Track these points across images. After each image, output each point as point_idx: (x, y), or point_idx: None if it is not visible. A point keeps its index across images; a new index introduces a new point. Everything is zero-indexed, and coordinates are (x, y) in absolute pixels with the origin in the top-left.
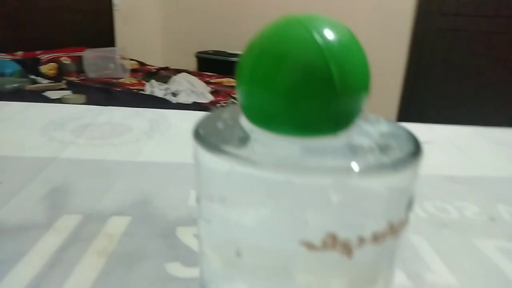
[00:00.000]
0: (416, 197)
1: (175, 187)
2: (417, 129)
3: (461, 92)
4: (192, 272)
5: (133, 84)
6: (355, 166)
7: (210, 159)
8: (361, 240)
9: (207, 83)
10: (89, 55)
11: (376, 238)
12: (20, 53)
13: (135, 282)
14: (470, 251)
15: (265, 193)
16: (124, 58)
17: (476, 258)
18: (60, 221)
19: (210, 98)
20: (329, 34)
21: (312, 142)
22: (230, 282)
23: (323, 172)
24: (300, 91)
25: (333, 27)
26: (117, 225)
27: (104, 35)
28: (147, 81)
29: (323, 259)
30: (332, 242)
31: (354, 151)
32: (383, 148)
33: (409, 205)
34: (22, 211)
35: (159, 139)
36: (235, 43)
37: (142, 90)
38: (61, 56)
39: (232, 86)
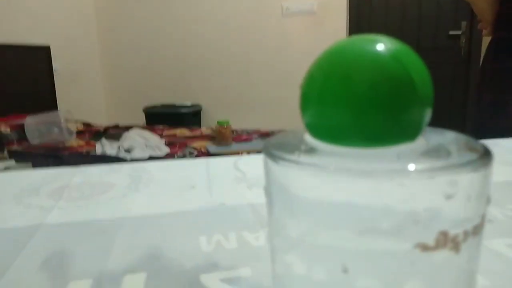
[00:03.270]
0: None
1: (181, 236)
2: None
3: None
4: None
5: (81, 146)
6: (458, 161)
7: (291, 175)
8: (466, 235)
9: (160, 136)
10: (30, 121)
11: (475, 231)
12: None
13: None
14: (484, 252)
15: (377, 197)
16: (68, 121)
17: (492, 257)
18: None
19: (166, 150)
20: (397, 48)
21: (384, 151)
22: None
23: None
24: (384, 101)
25: (395, 43)
26: (135, 283)
27: (45, 100)
28: (96, 141)
29: (433, 259)
30: (444, 240)
31: (436, 151)
32: (458, 150)
33: (488, 201)
34: (21, 284)
35: (146, 192)
36: (183, 95)
37: (92, 151)
38: (0, 126)
39: (187, 137)
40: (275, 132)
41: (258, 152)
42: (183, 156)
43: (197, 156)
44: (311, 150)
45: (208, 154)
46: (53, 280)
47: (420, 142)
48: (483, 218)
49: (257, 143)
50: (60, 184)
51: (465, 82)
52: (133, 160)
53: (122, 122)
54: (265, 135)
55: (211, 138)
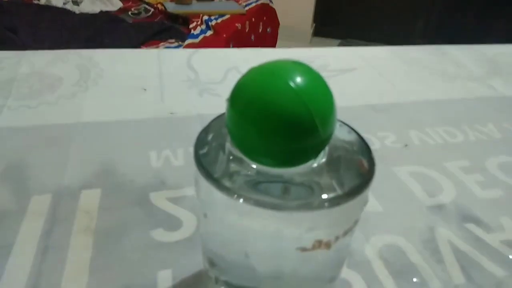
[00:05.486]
0: None
1: (133, 149)
2: (343, 53)
3: None
4: (177, 236)
5: None
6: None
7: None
8: (337, 238)
9: None
10: None
11: (346, 232)
12: None
13: (128, 253)
14: (389, 178)
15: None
16: None
17: (395, 184)
18: (32, 203)
19: (119, 4)
20: (304, 84)
21: (289, 171)
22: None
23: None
24: (287, 136)
25: (306, 77)
26: (90, 200)
27: None
28: None
29: (310, 254)
30: (318, 244)
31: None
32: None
33: (365, 203)
34: None
35: (95, 91)
36: None
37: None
38: None
39: None
40: None
41: (220, 15)
42: (138, 13)
43: (153, 14)
44: (229, 170)
45: (165, 12)
46: (17, 195)
47: (319, 162)
48: (356, 222)
49: (221, 3)
50: (8, 75)
51: None
52: (82, 13)
53: None
54: None
55: None
